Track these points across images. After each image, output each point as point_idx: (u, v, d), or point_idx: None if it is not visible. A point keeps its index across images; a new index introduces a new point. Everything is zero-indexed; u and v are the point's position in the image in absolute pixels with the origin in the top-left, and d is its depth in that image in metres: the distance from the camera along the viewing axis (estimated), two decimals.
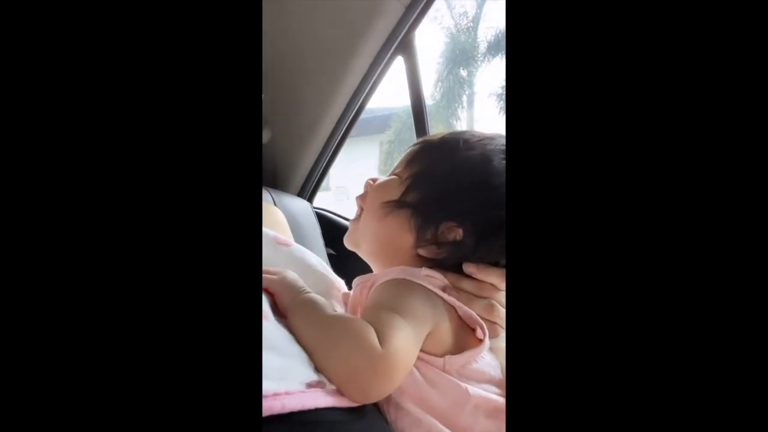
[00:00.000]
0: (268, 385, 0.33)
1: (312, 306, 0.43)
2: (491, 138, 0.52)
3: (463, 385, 0.41)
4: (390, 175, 0.55)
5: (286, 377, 0.35)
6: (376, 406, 0.41)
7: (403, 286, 0.45)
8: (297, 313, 0.43)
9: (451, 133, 0.55)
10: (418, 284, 0.45)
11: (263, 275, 0.47)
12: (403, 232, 0.50)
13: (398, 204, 0.51)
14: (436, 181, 0.50)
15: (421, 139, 0.57)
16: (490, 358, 0.45)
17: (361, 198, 0.56)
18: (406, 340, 0.39)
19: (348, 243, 0.57)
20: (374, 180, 0.56)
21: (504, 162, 0.49)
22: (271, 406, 0.32)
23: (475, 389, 0.41)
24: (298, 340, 0.40)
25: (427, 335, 0.42)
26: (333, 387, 0.37)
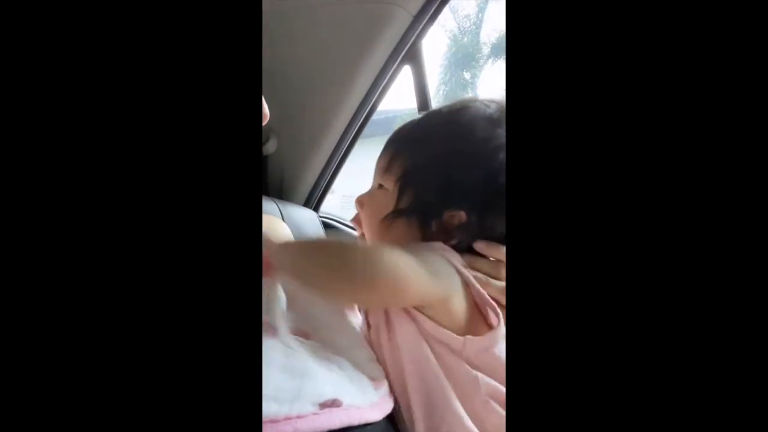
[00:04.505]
0: (279, 409, 0.33)
1: (299, 244, 0.45)
2: (465, 107, 0.50)
3: (473, 372, 0.40)
4: (375, 184, 0.54)
5: (298, 399, 0.34)
6: (392, 422, 0.41)
7: (420, 246, 0.45)
8: (287, 257, 0.43)
9: (421, 118, 0.53)
10: (437, 253, 0.45)
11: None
12: (409, 237, 0.50)
13: (396, 214, 0.50)
14: (423, 175, 0.49)
15: (393, 134, 0.54)
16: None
17: (356, 221, 0.56)
18: (400, 254, 0.39)
19: None
20: (361, 200, 0.55)
21: (489, 125, 0.47)
22: (282, 431, 0.32)
23: (485, 378, 0.40)
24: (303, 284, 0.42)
25: (441, 307, 0.42)
26: (347, 404, 0.36)
